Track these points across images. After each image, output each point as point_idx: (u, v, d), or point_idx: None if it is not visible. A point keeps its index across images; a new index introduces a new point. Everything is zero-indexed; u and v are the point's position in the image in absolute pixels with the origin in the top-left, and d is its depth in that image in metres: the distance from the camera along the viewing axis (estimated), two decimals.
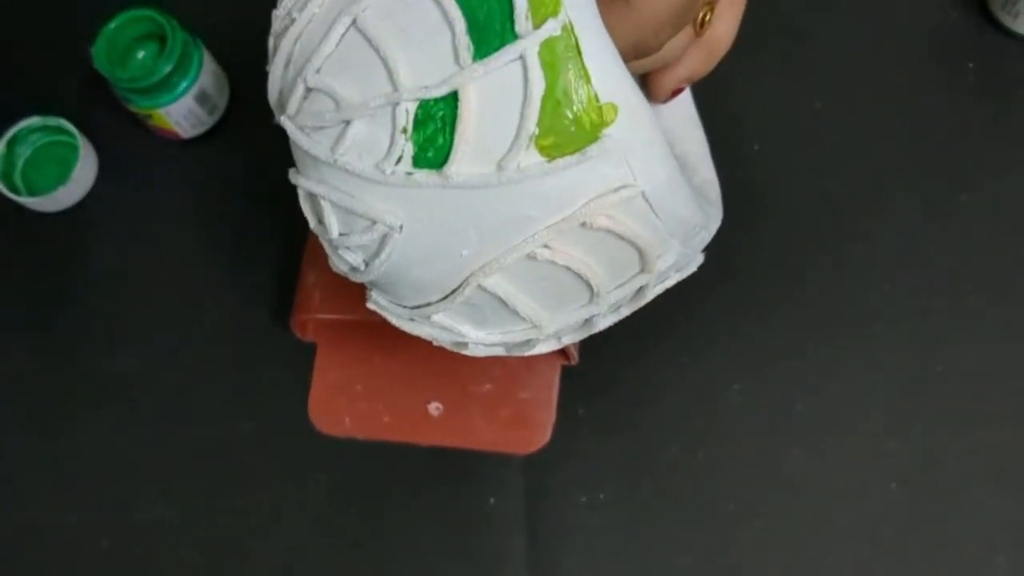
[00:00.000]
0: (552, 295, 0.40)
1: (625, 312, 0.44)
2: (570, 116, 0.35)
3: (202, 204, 0.65)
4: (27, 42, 0.70)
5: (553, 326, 0.41)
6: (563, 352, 0.59)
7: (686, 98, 0.52)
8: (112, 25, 0.63)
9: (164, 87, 0.62)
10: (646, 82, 0.46)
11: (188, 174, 0.66)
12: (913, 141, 0.64)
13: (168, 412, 0.61)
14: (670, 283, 0.44)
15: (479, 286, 0.39)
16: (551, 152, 0.36)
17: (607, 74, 0.35)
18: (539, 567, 0.58)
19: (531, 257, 0.38)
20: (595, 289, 0.40)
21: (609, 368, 0.61)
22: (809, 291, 0.62)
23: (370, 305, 0.44)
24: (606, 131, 0.36)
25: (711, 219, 0.44)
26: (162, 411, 0.61)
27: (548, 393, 0.60)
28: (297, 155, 0.40)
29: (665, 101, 0.47)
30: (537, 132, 0.35)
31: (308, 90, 0.38)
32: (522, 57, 0.35)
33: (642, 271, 0.40)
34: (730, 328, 0.61)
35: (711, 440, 0.60)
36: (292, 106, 0.39)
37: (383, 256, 0.39)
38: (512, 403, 0.60)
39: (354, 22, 0.37)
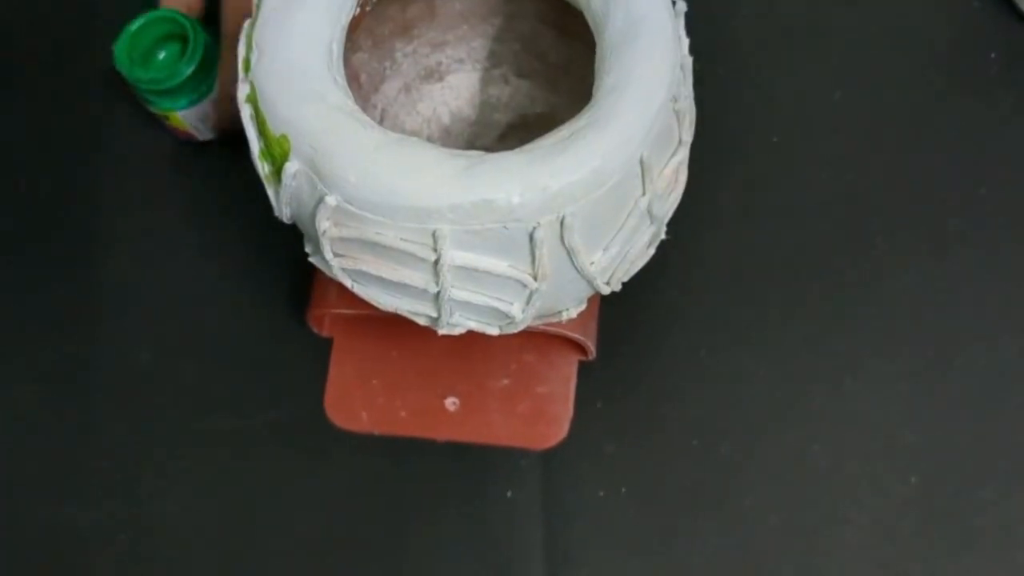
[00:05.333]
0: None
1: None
2: None
3: (220, 201, 0.66)
4: (50, 38, 0.70)
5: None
6: (581, 347, 0.59)
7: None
8: (134, 27, 0.62)
9: (184, 89, 0.63)
10: None
11: (206, 172, 0.67)
12: (935, 132, 0.63)
13: (184, 406, 0.62)
14: None
15: None
16: None
17: None
18: (557, 561, 0.58)
19: None
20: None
21: (627, 363, 0.61)
22: (828, 283, 0.61)
23: None
24: None
25: None
26: (178, 405, 0.62)
27: (566, 388, 0.60)
28: None
29: None
30: None
31: None
32: None
33: None
34: (748, 321, 0.61)
35: (730, 435, 0.59)
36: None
37: None
38: (529, 398, 0.60)
39: None
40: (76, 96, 0.68)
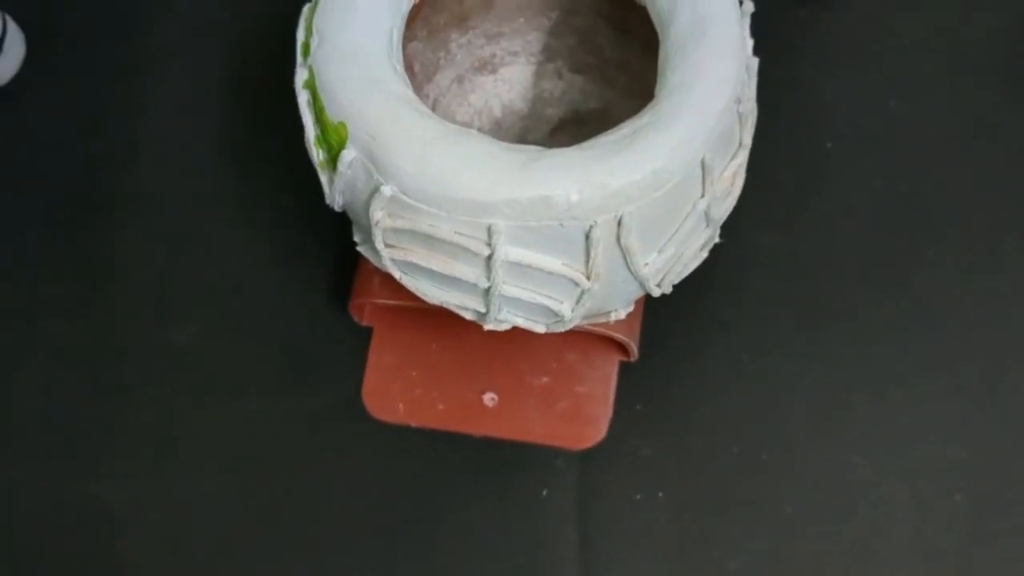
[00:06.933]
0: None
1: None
2: None
3: (266, 186, 0.65)
4: (94, 14, 0.70)
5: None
6: (623, 348, 0.58)
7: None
8: None
9: None
10: None
11: (251, 155, 0.66)
12: (987, 143, 0.63)
13: (220, 389, 0.61)
14: None
15: None
16: None
17: None
18: (590, 562, 0.57)
19: None
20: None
21: (668, 365, 0.60)
22: (875, 292, 0.60)
23: None
24: None
25: None
26: (215, 387, 0.61)
27: (605, 388, 0.59)
28: None
29: None
30: None
31: None
32: None
33: None
34: (792, 328, 0.60)
35: (770, 442, 0.59)
36: None
37: None
38: (569, 396, 0.59)
39: None
40: (121, 74, 0.68)
